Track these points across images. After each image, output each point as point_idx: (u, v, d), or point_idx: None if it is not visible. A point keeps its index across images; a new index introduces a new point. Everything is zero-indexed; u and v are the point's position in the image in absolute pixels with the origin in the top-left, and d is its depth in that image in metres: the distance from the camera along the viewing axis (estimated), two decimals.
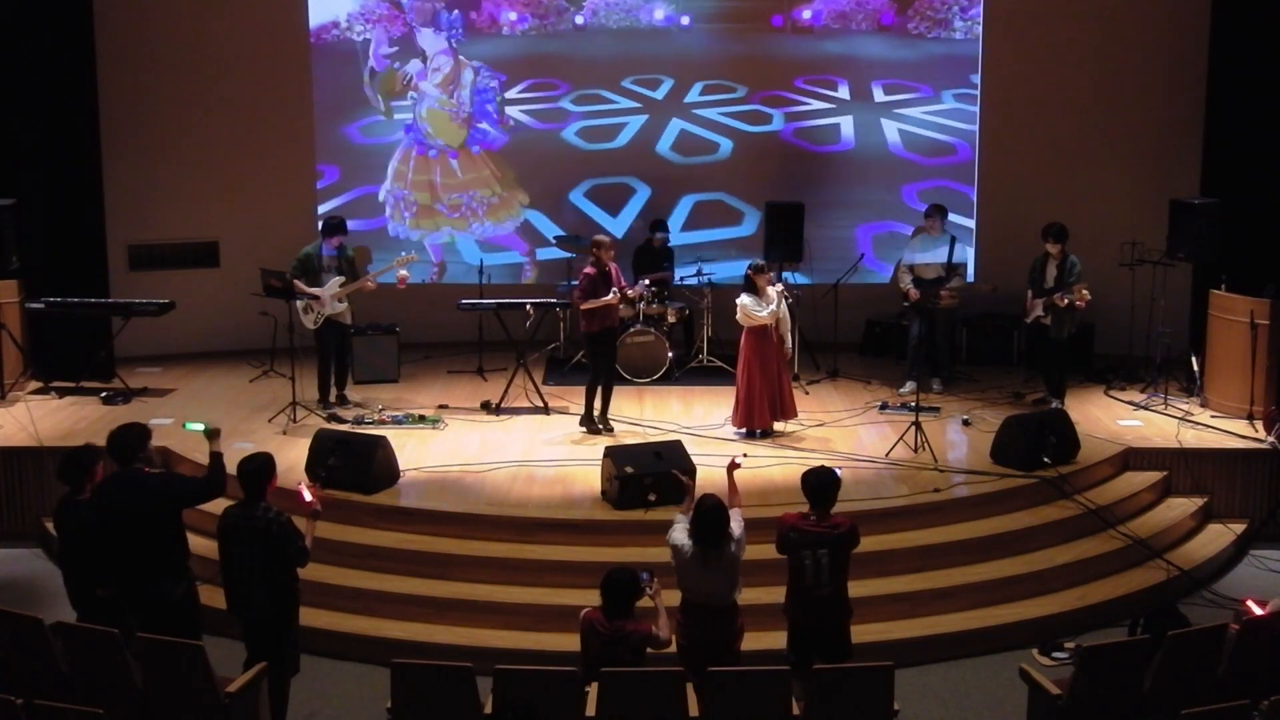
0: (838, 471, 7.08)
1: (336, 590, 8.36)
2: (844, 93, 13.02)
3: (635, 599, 6.51)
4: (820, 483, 6.93)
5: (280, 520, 6.61)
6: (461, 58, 12.86)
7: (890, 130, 13.05)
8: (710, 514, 6.70)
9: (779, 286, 10.18)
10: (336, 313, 10.85)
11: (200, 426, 7.01)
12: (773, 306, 10.05)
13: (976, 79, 12.96)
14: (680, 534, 6.81)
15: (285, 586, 6.71)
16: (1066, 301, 10.58)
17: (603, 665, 6.21)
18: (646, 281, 11.49)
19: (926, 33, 12.77)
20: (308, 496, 6.93)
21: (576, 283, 10.49)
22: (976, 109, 13.01)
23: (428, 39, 12.79)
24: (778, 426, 10.38)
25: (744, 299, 10.12)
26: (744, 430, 10.32)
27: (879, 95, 13.01)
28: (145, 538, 6.70)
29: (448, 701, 6.08)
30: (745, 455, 7.50)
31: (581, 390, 10.62)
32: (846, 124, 13.01)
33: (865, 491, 9.09)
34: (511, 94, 13.13)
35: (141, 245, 12.82)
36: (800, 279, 12.31)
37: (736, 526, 6.82)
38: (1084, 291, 10.53)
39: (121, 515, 6.69)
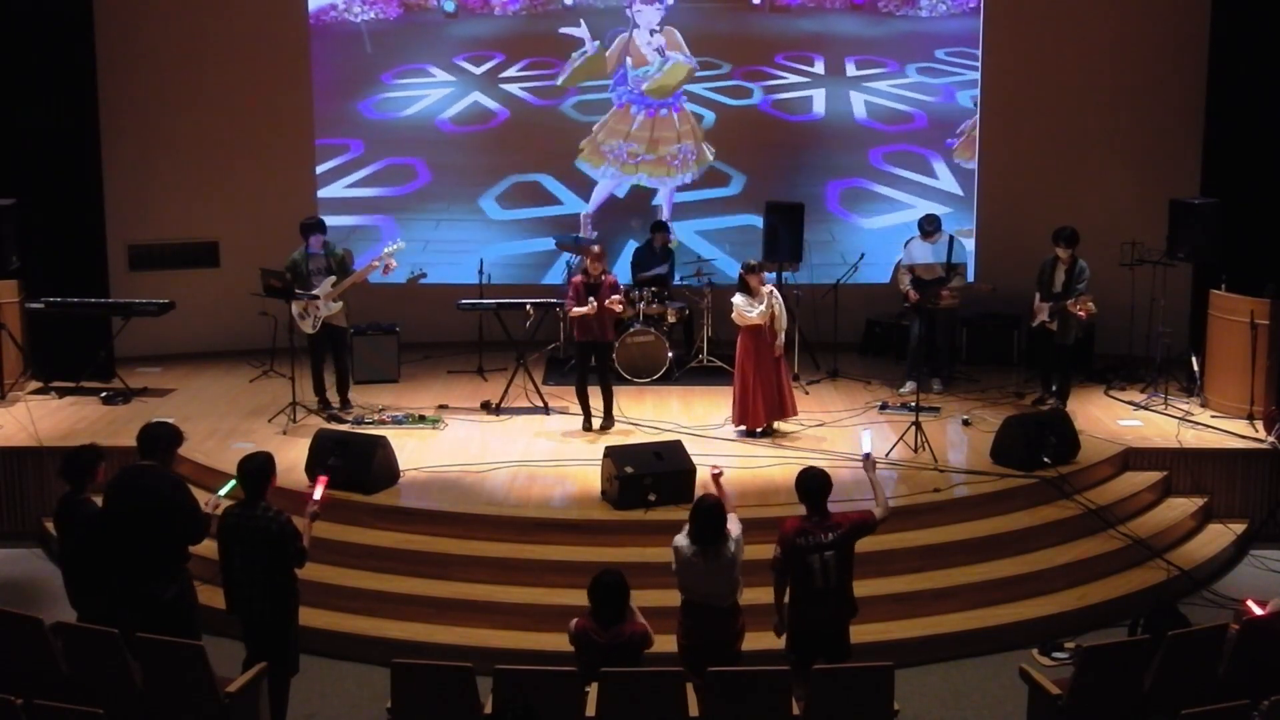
0: (870, 452, 7.35)
1: (336, 590, 8.36)
2: (819, 68, 13.58)
3: (628, 599, 6.50)
4: (814, 485, 6.91)
5: (281, 520, 6.61)
6: (667, 27, 13.44)
7: (858, 101, 13.58)
8: (708, 513, 6.71)
9: (769, 286, 10.17)
10: (332, 313, 10.81)
11: (229, 486, 6.98)
12: (762, 307, 10.04)
13: (941, 54, 13.38)
14: (682, 537, 6.81)
15: (285, 586, 6.70)
16: (1077, 308, 10.54)
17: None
18: (637, 292, 11.56)
19: (895, 11, 13.46)
20: (318, 494, 6.90)
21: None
22: (938, 81, 13.41)
23: (647, 14, 13.33)
24: (778, 426, 10.39)
25: (737, 299, 10.13)
26: (742, 429, 10.33)
27: (850, 70, 13.58)
28: (148, 535, 6.69)
29: (448, 701, 6.07)
30: (719, 469, 7.33)
31: None
32: (820, 97, 13.58)
33: (865, 491, 9.06)
34: (510, 72, 13.43)
35: (141, 245, 12.83)
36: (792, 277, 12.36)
37: (735, 527, 6.82)
38: (1090, 304, 10.49)
39: (131, 508, 6.68)
